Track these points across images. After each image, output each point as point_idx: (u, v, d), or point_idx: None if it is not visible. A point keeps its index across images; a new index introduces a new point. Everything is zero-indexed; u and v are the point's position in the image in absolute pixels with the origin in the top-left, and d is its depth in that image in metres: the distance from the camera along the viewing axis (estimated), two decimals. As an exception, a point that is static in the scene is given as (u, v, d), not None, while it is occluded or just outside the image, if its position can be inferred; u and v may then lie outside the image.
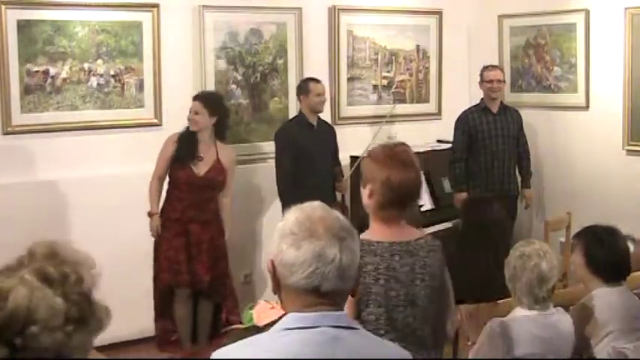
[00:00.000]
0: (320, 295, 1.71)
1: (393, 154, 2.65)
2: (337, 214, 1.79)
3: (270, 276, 1.78)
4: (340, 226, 1.76)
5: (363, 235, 2.61)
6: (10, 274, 1.43)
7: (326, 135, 5.76)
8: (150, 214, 5.03)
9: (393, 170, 2.60)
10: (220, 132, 5.13)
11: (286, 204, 5.51)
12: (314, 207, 1.80)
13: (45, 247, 1.48)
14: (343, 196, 5.89)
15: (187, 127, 5.04)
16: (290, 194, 5.39)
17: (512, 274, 3.13)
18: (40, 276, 1.42)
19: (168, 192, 5.09)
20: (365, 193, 2.68)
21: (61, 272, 1.44)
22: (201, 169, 5.01)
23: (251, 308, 3.69)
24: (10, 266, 1.46)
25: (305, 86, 5.65)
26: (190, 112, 5.01)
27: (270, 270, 1.77)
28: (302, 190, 5.35)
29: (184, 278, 4.99)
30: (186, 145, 5.00)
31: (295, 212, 1.78)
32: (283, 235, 1.74)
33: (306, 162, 5.51)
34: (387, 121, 6.16)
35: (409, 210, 2.75)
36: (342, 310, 1.76)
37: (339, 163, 5.83)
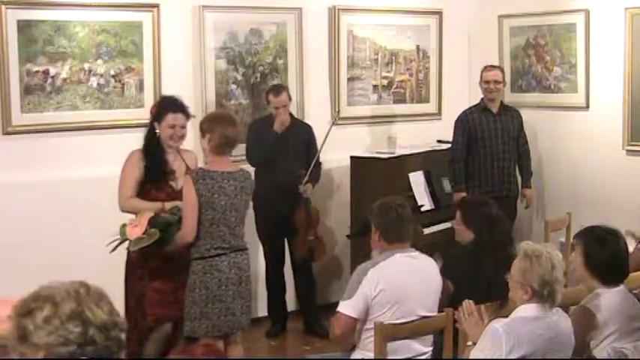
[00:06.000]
0: None
1: (224, 116, 4.44)
2: None
3: None
4: None
5: (205, 167, 4.22)
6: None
7: (294, 136, 5.63)
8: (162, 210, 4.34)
9: (226, 126, 4.13)
10: None
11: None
12: None
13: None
14: (307, 199, 5.63)
15: (150, 142, 4.45)
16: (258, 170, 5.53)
17: (517, 274, 3.13)
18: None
19: None
20: (205, 140, 4.14)
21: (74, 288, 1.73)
22: (177, 182, 4.41)
23: (124, 226, 4.16)
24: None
25: (265, 95, 5.70)
26: (174, 127, 4.39)
27: None
28: (264, 188, 5.30)
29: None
30: (157, 163, 4.43)
31: None
32: None
33: (267, 162, 5.54)
34: (335, 123, 5.91)
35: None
36: None
37: (317, 164, 5.68)
